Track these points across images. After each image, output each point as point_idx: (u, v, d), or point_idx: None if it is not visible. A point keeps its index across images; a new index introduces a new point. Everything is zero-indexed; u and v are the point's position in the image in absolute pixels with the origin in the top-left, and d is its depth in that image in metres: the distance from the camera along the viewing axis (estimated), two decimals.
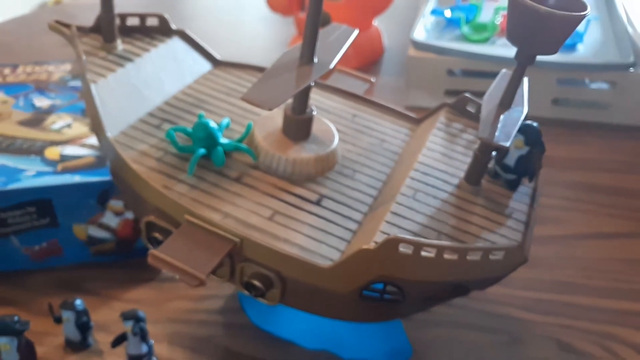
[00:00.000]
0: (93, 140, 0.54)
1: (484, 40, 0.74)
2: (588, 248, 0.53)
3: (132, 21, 0.48)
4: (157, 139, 0.41)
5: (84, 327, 0.45)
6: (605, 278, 0.50)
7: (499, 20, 0.76)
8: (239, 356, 0.45)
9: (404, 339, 0.44)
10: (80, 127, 0.56)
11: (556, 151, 0.66)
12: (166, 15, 0.48)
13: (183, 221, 0.35)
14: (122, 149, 0.39)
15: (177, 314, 0.48)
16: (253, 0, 1.09)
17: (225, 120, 0.42)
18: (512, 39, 0.34)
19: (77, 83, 0.63)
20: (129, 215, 0.51)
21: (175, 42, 0.48)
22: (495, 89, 0.38)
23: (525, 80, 0.39)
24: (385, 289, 0.35)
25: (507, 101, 0.36)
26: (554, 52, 0.34)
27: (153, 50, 0.46)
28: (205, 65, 0.49)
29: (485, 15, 0.78)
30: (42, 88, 0.63)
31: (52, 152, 0.52)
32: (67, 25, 0.45)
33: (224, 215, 0.36)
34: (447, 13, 0.79)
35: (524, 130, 0.39)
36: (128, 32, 0.47)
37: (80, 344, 0.46)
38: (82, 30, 0.46)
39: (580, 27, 0.74)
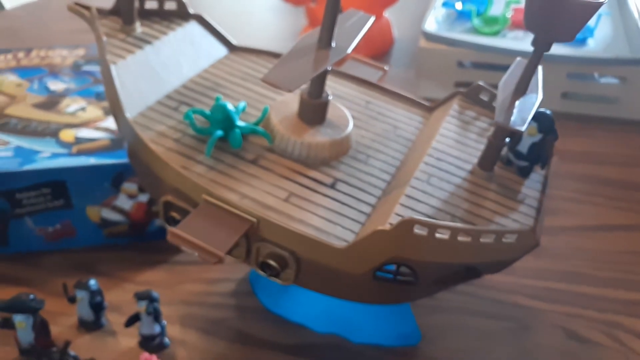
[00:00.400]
0: (107, 123, 0.55)
1: (495, 33, 0.74)
2: (596, 239, 0.54)
3: (151, 4, 0.48)
4: (175, 120, 0.41)
5: (97, 307, 0.46)
6: (612, 269, 0.51)
7: (510, 13, 0.76)
8: (251, 338, 0.45)
9: (413, 324, 0.45)
10: (94, 111, 0.57)
11: (566, 144, 0.66)
12: (185, 0, 0.49)
13: (201, 201, 0.36)
14: (140, 130, 0.39)
15: (189, 296, 0.49)
16: None
17: (242, 104, 0.42)
18: (530, 25, 0.34)
19: (90, 67, 0.64)
20: (143, 198, 0.52)
21: (193, 27, 0.48)
22: (510, 76, 0.38)
23: (540, 68, 0.39)
24: (399, 270, 0.35)
25: (522, 88, 0.37)
26: (570, 39, 0.34)
27: (171, 34, 0.47)
28: (221, 50, 0.49)
29: (496, 8, 0.78)
30: (56, 72, 0.63)
31: (67, 135, 0.53)
32: (87, 7, 0.45)
33: (241, 196, 0.36)
34: (458, 5, 0.79)
35: (537, 117, 0.39)
36: (147, 15, 0.48)
37: (94, 323, 0.46)
38: (101, 12, 0.46)
39: (591, 22, 0.74)
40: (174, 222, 0.38)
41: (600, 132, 0.69)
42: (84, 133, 0.53)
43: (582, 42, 0.73)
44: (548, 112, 0.39)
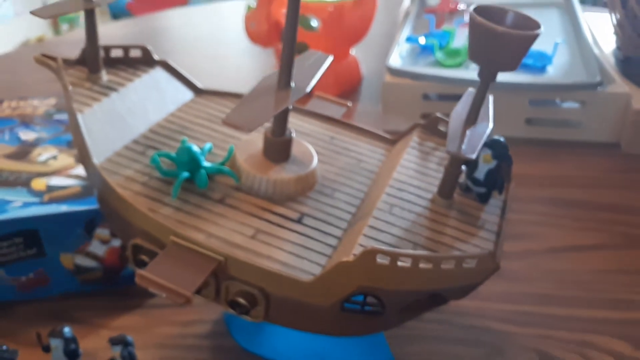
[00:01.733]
0: (78, 170, 0.55)
1: (458, 65, 0.77)
2: (564, 261, 0.55)
3: (116, 53, 0.49)
4: (141, 164, 0.42)
5: (72, 354, 0.46)
6: (580, 289, 0.52)
7: None
8: None
9: (387, 354, 0.45)
10: (65, 159, 0.57)
11: (531, 169, 0.68)
12: (149, 47, 0.50)
13: (168, 242, 0.36)
14: (108, 175, 0.40)
15: (165, 339, 0.49)
16: (233, 33, 1.12)
17: (207, 145, 0.43)
18: (474, 57, 0.36)
19: (61, 116, 0.65)
20: (116, 243, 0.52)
21: (158, 72, 0.50)
22: (461, 106, 0.40)
23: (490, 97, 0.41)
24: (366, 300, 0.36)
25: (472, 117, 0.38)
26: (513, 69, 0.36)
27: (137, 80, 0.48)
28: (187, 94, 0.50)
29: (458, 41, 0.81)
30: (27, 122, 0.64)
31: (38, 183, 0.53)
32: (53, 58, 0.47)
33: (207, 235, 0.37)
34: (422, 40, 0.82)
35: (491, 144, 0.41)
36: (112, 64, 0.49)
37: None
38: (67, 62, 0.48)
39: (549, 50, 0.77)
40: (143, 264, 0.38)
41: (564, 155, 0.71)
42: (56, 181, 0.54)
43: (542, 69, 0.76)
44: (502, 139, 0.41)
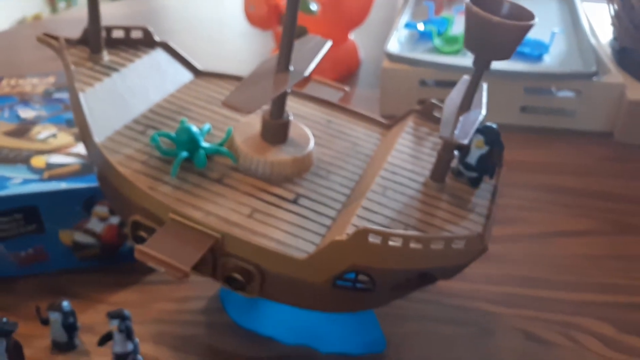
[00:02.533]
0: (78, 149, 0.56)
1: (455, 52, 0.77)
2: (553, 245, 0.56)
3: (118, 34, 0.50)
4: (141, 143, 0.43)
5: (70, 328, 0.47)
6: (569, 273, 0.53)
7: None
8: (222, 353, 0.46)
9: (378, 332, 0.47)
10: (65, 137, 0.58)
11: (525, 156, 0.69)
12: (150, 28, 0.51)
13: (167, 219, 0.37)
14: (108, 153, 0.41)
15: (161, 314, 0.50)
16: (233, 15, 1.12)
17: (206, 126, 0.44)
18: (470, 46, 0.37)
19: (61, 95, 0.65)
20: (114, 220, 0.53)
21: (159, 54, 0.50)
22: (455, 93, 0.41)
23: (484, 85, 0.42)
24: (357, 278, 0.37)
25: (466, 104, 0.39)
26: (507, 58, 0.37)
27: (137, 61, 0.49)
28: (187, 75, 0.51)
29: (456, 28, 0.82)
30: (26, 100, 0.64)
31: (38, 161, 0.54)
32: (56, 37, 0.47)
33: (206, 213, 0.38)
34: (420, 26, 0.82)
35: (483, 131, 0.42)
36: (114, 44, 0.50)
37: (67, 345, 0.47)
38: (69, 42, 0.48)
39: (546, 39, 0.77)
40: (142, 240, 0.39)
41: (558, 143, 0.72)
42: (55, 159, 0.54)
43: (539, 58, 0.77)
44: (494, 125, 0.42)
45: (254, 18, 0.86)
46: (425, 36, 0.82)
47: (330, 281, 0.36)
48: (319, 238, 0.38)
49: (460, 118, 0.38)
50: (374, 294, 0.38)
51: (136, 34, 0.50)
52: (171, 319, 0.50)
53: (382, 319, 0.47)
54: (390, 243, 0.34)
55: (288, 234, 0.38)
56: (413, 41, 0.82)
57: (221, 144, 0.43)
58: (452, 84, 0.73)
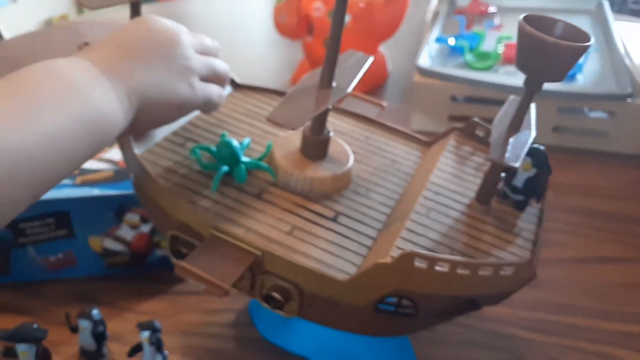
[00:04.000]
0: (110, 154, 0.56)
1: (487, 68, 0.77)
2: (588, 271, 0.55)
3: None
4: (181, 156, 0.42)
5: (99, 336, 0.46)
6: (604, 301, 0.52)
7: (502, 49, 0.79)
8: None
9: (411, 356, 0.46)
10: None
11: (556, 177, 0.67)
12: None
13: (207, 234, 0.37)
14: (148, 165, 0.41)
15: (189, 326, 0.49)
16: (260, 23, 1.12)
17: (246, 140, 0.44)
18: (522, 66, 0.36)
19: None
20: (145, 228, 0.52)
21: None
22: (504, 113, 0.40)
23: (533, 106, 0.41)
24: (400, 302, 0.36)
25: (516, 125, 0.38)
26: (560, 80, 0.36)
27: None
28: (226, 88, 0.51)
29: (488, 44, 0.81)
30: None
31: None
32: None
33: (246, 230, 0.37)
34: (451, 41, 0.81)
35: (531, 153, 0.41)
36: None
37: (95, 353, 0.47)
38: None
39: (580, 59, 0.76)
40: (181, 255, 0.39)
41: (590, 164, 0.71)
42: (88, 164, 0.54)
43: (572, 77, 0.76)
44: (542, 147, 0.41)
45: (283, 27, 0.86)
46: (456, 51, 0.81)
47: (372, 305, 0.36)
48: (359, 258, 0.37)
49: (510, 140, 0.37)
50: (416, 319, 0.37)
51: None
52: (199, 331, 0.49)
53: (415, 342, 0.46)
54: (437, 268, 0.33)
55: (328, 253, 0.37)
56: (444, 56, 0.81)
57: (261, 159, 0.42)
58: (482, 101, 0.73)
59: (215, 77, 0.43)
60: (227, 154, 0.41)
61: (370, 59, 0.44)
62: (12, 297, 0.52)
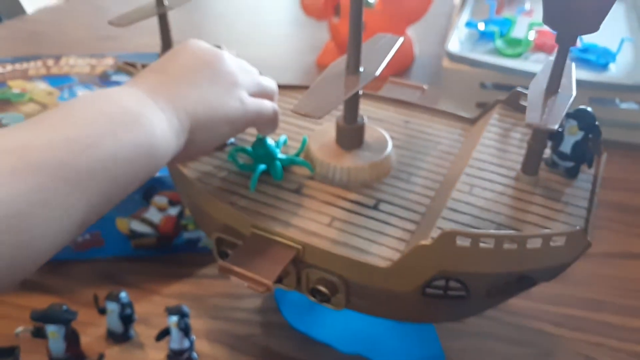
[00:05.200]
0: None
1: (517, 55, 0.75)
2: (617, 267, 0.54)
3: None
4: (220, 160, 0.42)
5: (127, 319, 0.47)
6: (634, 297, 0.51)
7: (533, 35, 0.77)
8: (276, 356, 0.46)
9: (437, 347, 0.46)
10: None
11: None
12: (223, 47, 0.50)
13: (248, 233, 0.36)
14: (189, 172, 0.41)
15: (216, 310, 0.50)
16: (286, 2, 1.10)
17: (282, 138, 0.43)
18: (551, 21, 0.33)
19: (120, 77, 0.64)
20: (172, 211, 0.52)
21: None
22: (541, 75, 0.37)
23: (572, 64, 0.38)
24: (448, 285, 0.35)
25: (553, 86, 0.35)
26: (595, 29, 0.33)
27: None
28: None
29: (518, 31, 0.79)
30: (85, 81, 0.64)
31: None
32: (133, 65, 0.47)
33: (285, 225, 0.37)
34: (481, 26, 0.80)
35: (576, 115, 0.38)
36: None
37: (122, 335, 0.47)
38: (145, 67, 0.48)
39: (613, 47, 0.74)
40: (226, 256, 0.39)
41: (620, 157, 0.69)
42: None
43: (605, 67, 0.74)
44: (589, 108, 0.38)
45: (309, 8, 0.85)
46: (485, 36, 0.80)
47: (419, 290, 0.34)
48: (403, 244, 0.36)
49: (548, 102, 0.35)
50: (468, 302, 0.35)
51: None
52: (226, 315, 0.49)
53: (440, 333, 0.46)
54: (482, 245, 0.32)
55: (370, 241, 0.36)
56: (473, 41, 0.79)
57: (297, 154, 0.42)
58: (512, 89, 0.71)
59: (264, 94, 0.42)
60: (263, 153, 0.41)
61: (400, 40, 0.42)
62: (39, 276, 0.52)
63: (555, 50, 0.35)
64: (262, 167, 0.40)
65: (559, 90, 0.36)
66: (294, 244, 0.35)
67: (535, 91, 0.36)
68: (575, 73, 0.38)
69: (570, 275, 0.53)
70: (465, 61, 0.72)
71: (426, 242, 0.32)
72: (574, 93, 0.36)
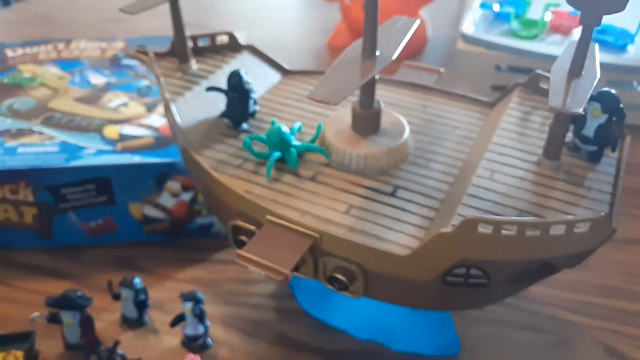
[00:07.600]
0: (150, 120, 0.55)
1: (533, 37, 0.73)
2: (634, 253, 0.54)
3: (204, 41, 0.49)
4: (235, 148, 0.42)
5: (141, 305, 0.47)
6: None
7: (549, 17, 0.75)
8: (291, 342, 0.46)
9: (453, 334, 0.45)
10: (136, 107, 0.57)
11: None
12: (236, 33, 0.49)
13: (265, 222, 0.36)
14: (203, 160, 0.40)
15: (230, 296, 0.49)
16: None
17: (297, 124, 0.43)
18: (574, 1, 0.32)
19: (130, 61, 0.64)
20: (185, 196, 0.52)
21: (245, 57, 0.49)
22: (563, 57, 0.36)
23: (595, 46, 0.37)
24: (469, 273, 0.34)
25: (576, 68, 0.34)
26: (621, 9, 0.32)
27: (225, 67, 0.48)
28: (275, 76, 0.50)
29: (534, 11, 0.77)
30: (96, 65, 0.63)
31: (111, 131, 0.53)
32: (145, 52, 0.47)
33: (302, 213, 0.36)
34: (496, 7, 0.78)
35: (600, 97, 0.37)
36: (201, 52, 0.49)
37: (137, 321, 0.47)
38: (158, 55, 0.48)
39: (631, 28, 0.73)
40: (243, 244, 0.38)
41: (637, 141, 0.68)
42: (128, 130, 0.54)
43: (623, 48, 0.72)
44: (612, 90, 0.37)
45: None
46: (500, 17, 0.78)
47: (440, 278, 0.34)
48: (422, 231, 0.35)
49: (571, 85, 0.34)
50: (489, 290, 0.35)
51: (221, 39, 0.49)
52: (240, 301, 0.49)
53: (456, 320, 0.46)
54: (504, 232, 0.31)
55: (387, 228, 0.35)
56: (487, 22, 0.78)
57: (312, 141, 0.41)
58: (528, 71, 0.70)
59: None
60: (277, 140, 0.40)
61: (417, 23, 0.41)
62: (53, 261, 0.52)
63: (572, 31, 0.34)
64: (277, 154, 0.40)
65: (582, 72, 0.35)
66: (311, 232, 0.35)
67: (557, 74, 0.35)
68: (599, 55, 0.37)
69: (586, 262, 0.52)
70: (481, 43, 0.71)
71: (447, 229, 0.32)
72: (598, 75, 0.35)
